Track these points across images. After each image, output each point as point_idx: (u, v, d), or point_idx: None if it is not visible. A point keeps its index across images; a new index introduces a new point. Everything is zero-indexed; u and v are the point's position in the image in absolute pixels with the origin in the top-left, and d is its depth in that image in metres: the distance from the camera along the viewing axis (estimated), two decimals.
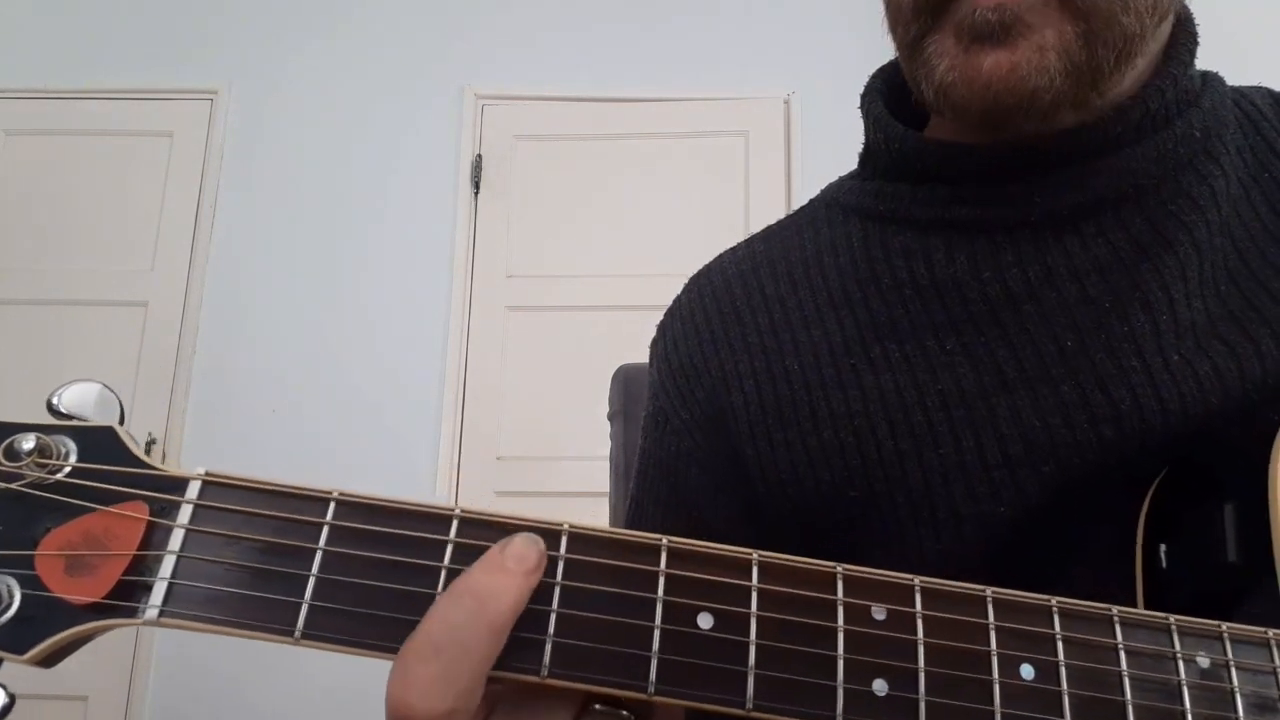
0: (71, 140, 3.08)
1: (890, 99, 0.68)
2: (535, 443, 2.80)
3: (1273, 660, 0.40)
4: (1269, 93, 0.65)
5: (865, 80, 0.71)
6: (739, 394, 0.65)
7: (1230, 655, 0.39)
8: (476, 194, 3.01)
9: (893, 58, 0.70)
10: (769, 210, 2.84)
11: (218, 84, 3.11)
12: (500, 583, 0.35)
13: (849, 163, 0.75)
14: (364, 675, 2.45)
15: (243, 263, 2.97)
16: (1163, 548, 0.51)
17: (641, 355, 0.84)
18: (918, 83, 0.57)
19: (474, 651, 0.33)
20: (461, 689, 0.33)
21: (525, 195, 3.02)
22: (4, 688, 0.34)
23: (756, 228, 0.76)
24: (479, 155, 3.03)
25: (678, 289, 0.75)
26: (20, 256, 2.98)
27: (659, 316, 0.76)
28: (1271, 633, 0.40)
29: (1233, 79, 0.65)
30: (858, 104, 0.70)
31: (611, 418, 1.09)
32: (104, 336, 2.90)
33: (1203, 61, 0.62)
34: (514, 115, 3.08)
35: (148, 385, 2.85)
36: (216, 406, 2.85)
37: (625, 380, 1.09)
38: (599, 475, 1.09)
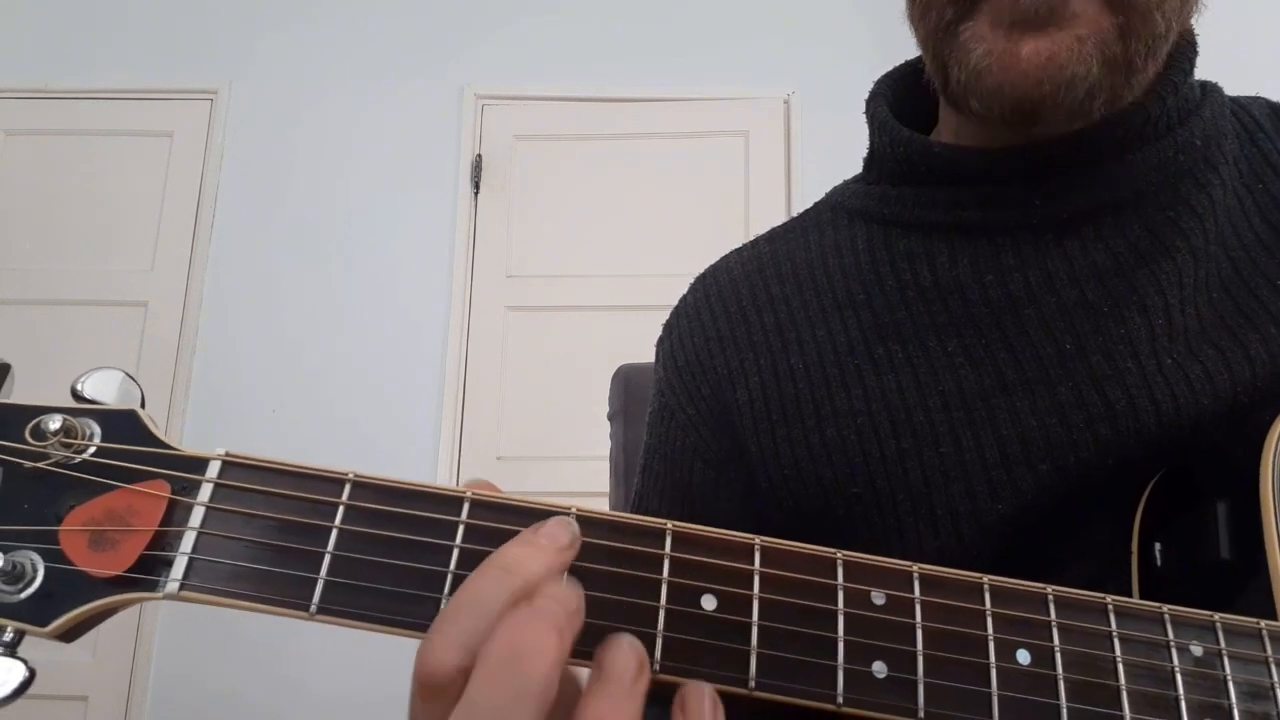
0: (71, 140, 3.07)
1: (895, 104, 0.68)
2: (535, 443, 2.80)
3: (1265, 649, 0.41)
4: (1267, 104, 0.66)
5: (865, 79, 0.72)
6: (744, 390, 0.66)
7: (1223, 644, 0.40)
8: (476, 194, 3.01)
9: (897, 64, 0.71)
10: (769, 210, 2.85)
11: (218, 84, 3.10)
12: (527, 555, 0.36)
13: (848, 162, 0.75)
14: (362, 676, 2.45)
15: (243, 263, 2.97)
16: (1157, 546, 0.51)
17: (641, 355, 0.85)
18: (947, 68, 0.56)
19: (492, 615, 0.34)
20: (475, 647, 0.33)
21: (525, 195, 3.02)
22: (24, 662, 0.35)
23: (756, 228, 0.77)
24: (479, 155, 3.03)
25: (678, 289, 0.76)
26: (20, 256, 2.97)
27: (659, 316, 0.77)
28: (1264, 623, 0.41)
29: (1230, 88, 0.66)
30: (857, 104, 0.70)
31: (611, 418, 1.10)
32: (104, 336, 2.89)
33: (1201, 70, 0.64)
34: (514, 115, 3.08)
35: (148, 385, 2.77)
36: (216, 406, 2.85)
37: (625, 380, 1.10)
38: (599, 475, 1.10)
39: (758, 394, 0.65)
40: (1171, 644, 0.40)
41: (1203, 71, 0.64)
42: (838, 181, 0.74)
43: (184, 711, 2.65)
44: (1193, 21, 0.61)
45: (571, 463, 2.71)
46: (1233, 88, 0.66)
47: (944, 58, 0.56)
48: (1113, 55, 0.52)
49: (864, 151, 0.70)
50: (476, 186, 3.02)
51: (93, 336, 2.89)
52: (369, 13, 3.16)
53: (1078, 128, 0.57)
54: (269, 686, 2.63)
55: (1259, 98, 0.67)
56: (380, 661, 2.56)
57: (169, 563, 0.36)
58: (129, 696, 2.64)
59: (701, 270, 0.76)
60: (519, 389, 2.86)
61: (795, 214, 0.76)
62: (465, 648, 0.33)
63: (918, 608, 0.39)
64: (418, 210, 3.00)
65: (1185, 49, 0.61)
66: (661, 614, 0.37)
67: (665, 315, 0.76)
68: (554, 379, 2.83)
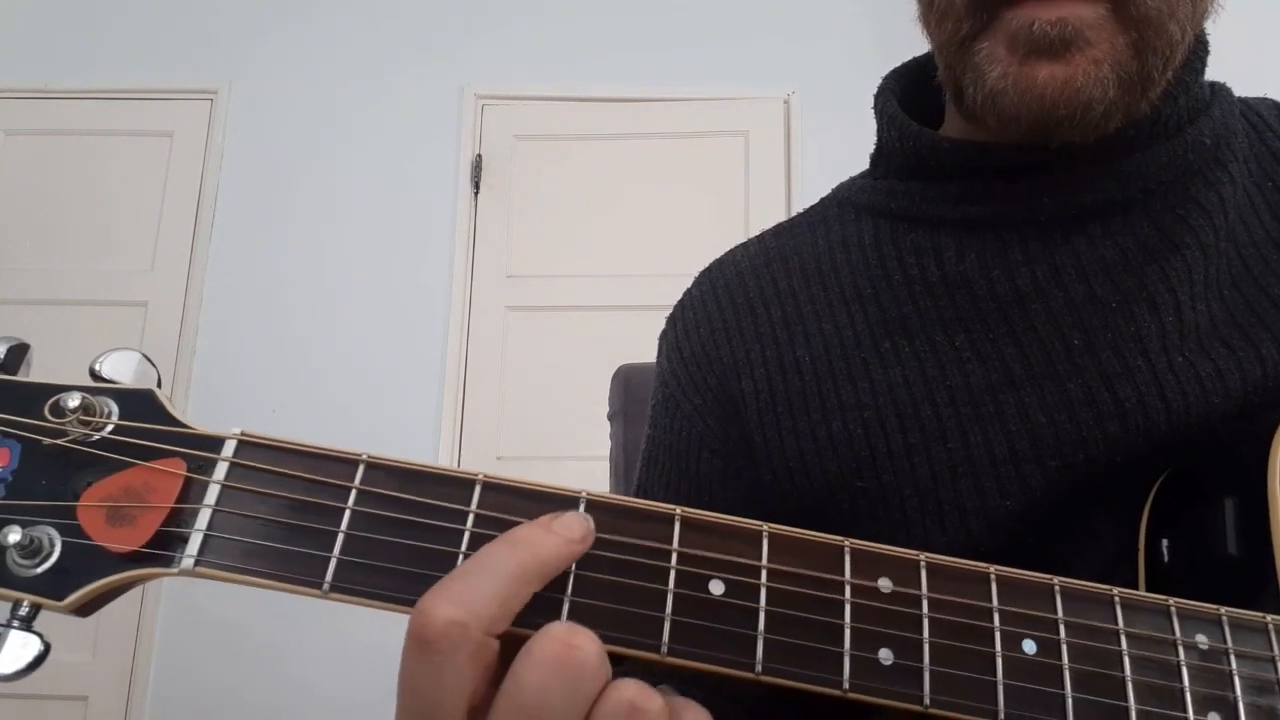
0: (71, 140, 3.08)
1: (903, 98, 0.68)
2: (535, 443, 2.81)
3: (1271, 644, 0.41)
4: (1275, 104, 0.66)
5: (866, 79, 0.72)
6: (749, 381, 0.66)
7: (1229, 638, 0.40)
8: (476, 194, 3.02)
9: (904, 60, 0.71)
10: (769, 210, 2.85)
11: (218, 84, 3.11)
12: (538, 536, 0.36)
13: (848, 162, 0.76)
14: (363, 676, 2.46)
15: (243, 263, 2.97)
16: (1165, 543, 0.52)
17: (641, 355, 0.85)
18: (960, 83, 0.56)
19: (495, 579, 0.35)
20: (476, 607, 0.34)
21: (525, 195, 3.02)
22: (40, 636, 0.35)
23: (756, 227, 0.77)
24: (479, 155, 3.04)
25: (678, 289, 0.76)
26: (20, 256, 2.97)
27: (659, 316, 0.77)
28: (1270, 618, 0.41)
29: (1236, 89, 0.66)
30: (857, 104, 0.70)
31: (611, 418, 1.10)
32: (104, 336, 2.89)
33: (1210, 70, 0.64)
34: (514, 115, 3.09)
35: None
36: (216, 407, 2.85)
37: (625, 380, 1.10)
38: (599, 475, 1.09)
39: (763, 385, 0.65)
40: (1178, 636, 0.40)
41: (1208, 73, 0.64)
42: (838, 181, 0.74)
43: (184, 711, 2.65)
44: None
45: (571, 463, 2.71)
46: (1239, 89, 0.66)
47: (958, 72, 0.56)
48: (1129, 74, 0.52)
49: (865, 151, 0.70)
50: (476, 186, 3.02)
51: (93, 336, 2.88)
52: (369, 13, 3.17)
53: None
54: (269, 686, 2.63)
55: (1267, 98, 0.67)
56: (381, 661, 2.55)
57: (185, 539, 0.36)
58: (129, 696, 2.64)
59: (703, 268, 0.76)
60: (519, 389, 2.86)
61: (795, 214, 0.76)
62: (462, 603, 0.34)
63: (924, 597, 0.39)
64: (418, 210, 3.01)
65: (1197, 49, 0.61)
66: (670, 598, 0.37)
67: (665, 315, 0.76)
68: (554, 379, 2.84)
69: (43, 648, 0.35)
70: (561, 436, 2.76)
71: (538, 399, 2.84)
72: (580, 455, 2.65)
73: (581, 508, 0.39)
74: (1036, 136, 0.55)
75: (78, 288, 2.95)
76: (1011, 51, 0.53)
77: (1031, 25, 0.51)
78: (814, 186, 0.72)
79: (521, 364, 2.88)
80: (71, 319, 2.90)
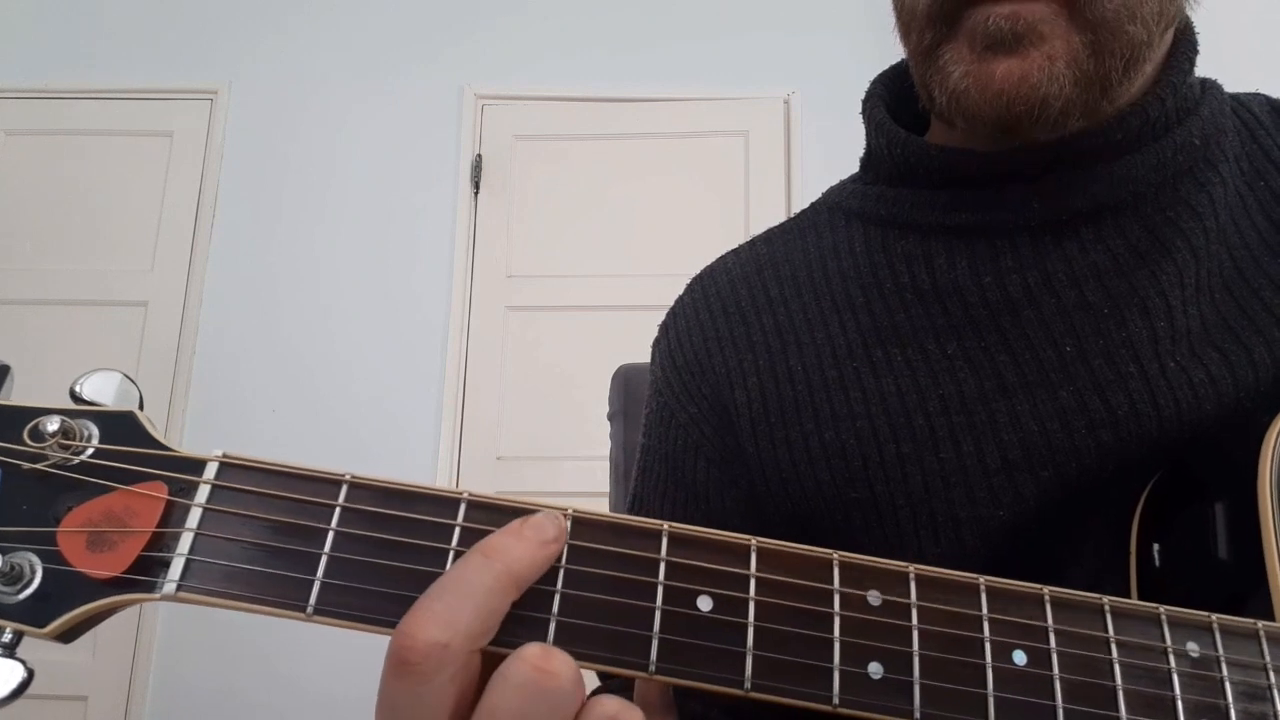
0: (71, 140, 3.08)
1: (892, 104, 0.68)
2: (535, 443, 2.81)
3: (1262, 650, 0.40)
4: (1266, 100, 0.66)
5: (865, 80, 0.72)
6: (742, 391, 0.66)
7: (1220, 645, 0.40)
8: (476, 194, 3.02)
9: (893, 63, 0.71)
10: (769, 210, 2.86)
11: (218, 84, 3.11)
12: (510, 544, 0.36)
13: (848, 163, 0.75)
14: (362, 676, 2.47)
15: (243, 263, 2.97)
16: (1156, 547, 0.51)
17: (641, 355, 0.85)
18: (930, 89, 0.57)
19: (475, 596, 0.34)
20: (459, 628, 0.34)
21: (525, 195, 3.02)
22: (23, 663, 0.35)
23: (756, 228, 0.77)
24: (479, 155, 3.04)
25: (678, 289, 0.76)
26: (20, 256, 2.98)
27: (659, 316, 0.76)
28: (1261, 624, 0.41)
29: (1229, 85, 0.66)
30: (858, 104, 0.70)
31: (611, 418, 1.09)
32: (104, 336, 2.90)
33: (1200, 67, 0.63)
34: (514, 115, 3.09)
35: (147, 385, 2.85)
36: (216, 407, 2.85)
37: (625, 380, 1.10)
38: (599, 475, 1.09)
39: (756, 395, 0.65)
40: (1168, 644, 0.40)
41: (1200, 69, 0.63)
42: (837, 182, 0.74)
43: (184, 711, 2.65)
44: (1192, 18, 0.61)
45: (571, 463, 2.72)
46: (1230, 86, 0.66)
47: (927, 79, 0.57)
48: (1086, 73, 0.53)
49: (863, 152, 0.70)
50: (476, 186, 3.02)
51: (93, 336, 2.89)
52: (369, 13, 3.17)
53: (1075, 130, 0.57)
54: (268, 686, 2.63)
55: (1259, 94, 0.66)
56: (379, 662, 2.55)
57: (166, 564, 0.36)
58: (129, 696, 2.65)
59: (694, 274, 0.76)
60: (519, 389, 2.86)
61: (787, 218, 0.75)
62: (444, 623, 0.34)
63: (914, 609, 0.39)
64: (417, 210, 3.01)
65: (1185, 48, 0.61)
66: (657, 615, 0.37)
67: (665, 315, 0.76)
68: (554, 379, 2.84)
69: (26, 675, 0.34)
70: (561, 436, 2.76)
71: (537, 399, 2.84)
72: (580, 455, 2.66)
73: (568, 525, 0.38)
74: (1002, 136, 0.56)
75: (78, 288, 2.95)
76: (971, 49, 0.54)
77: (987, 20, 0.52)
78: (814, 186, 0.72)
79: (521, 364, 2.88)
80: (71, 319, 2.90)
